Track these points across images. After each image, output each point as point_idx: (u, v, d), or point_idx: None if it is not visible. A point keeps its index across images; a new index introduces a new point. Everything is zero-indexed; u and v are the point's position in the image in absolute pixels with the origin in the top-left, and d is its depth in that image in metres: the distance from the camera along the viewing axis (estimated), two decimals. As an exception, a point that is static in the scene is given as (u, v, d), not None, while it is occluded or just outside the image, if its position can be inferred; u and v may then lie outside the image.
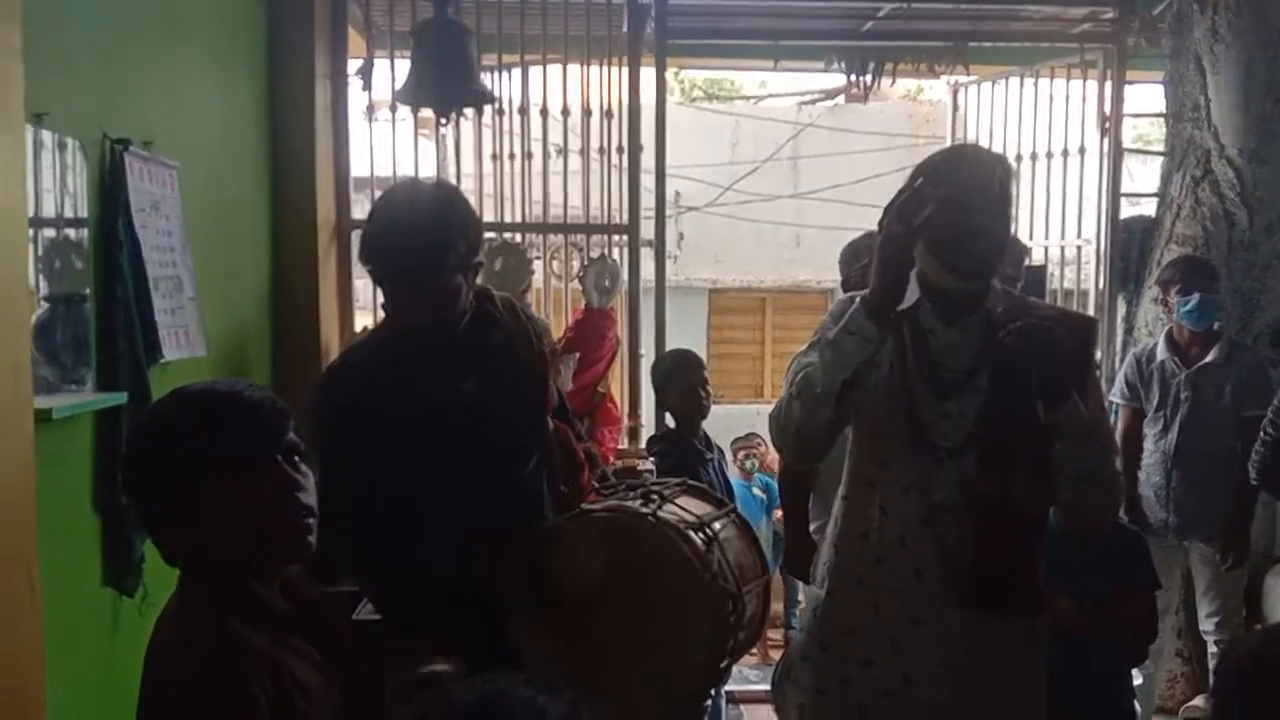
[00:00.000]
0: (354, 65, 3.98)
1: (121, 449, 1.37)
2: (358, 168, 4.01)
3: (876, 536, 1.91)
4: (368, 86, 4.00)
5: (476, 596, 1.99)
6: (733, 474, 5.96)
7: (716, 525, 2.20)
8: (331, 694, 1.38)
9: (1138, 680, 3.08)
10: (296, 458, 1.34)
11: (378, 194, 4.05)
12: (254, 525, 1.28)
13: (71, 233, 2.29)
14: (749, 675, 4.67)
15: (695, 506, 2.28)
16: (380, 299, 2.09)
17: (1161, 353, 3.69)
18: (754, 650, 4.30)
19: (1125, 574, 2.50)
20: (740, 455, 5.98)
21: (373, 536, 2.01)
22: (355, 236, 3.98)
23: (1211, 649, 3.68)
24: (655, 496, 2.23)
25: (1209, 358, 3.58)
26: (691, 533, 2.10)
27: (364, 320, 4.11)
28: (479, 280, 2.15)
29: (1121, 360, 4.05)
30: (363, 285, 4.18)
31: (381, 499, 2.00)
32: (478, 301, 2.14)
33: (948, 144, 5.00)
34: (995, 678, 1.90)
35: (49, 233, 2.22)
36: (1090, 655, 2.42)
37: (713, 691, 2.97)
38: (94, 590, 2.35)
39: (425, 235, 1.97)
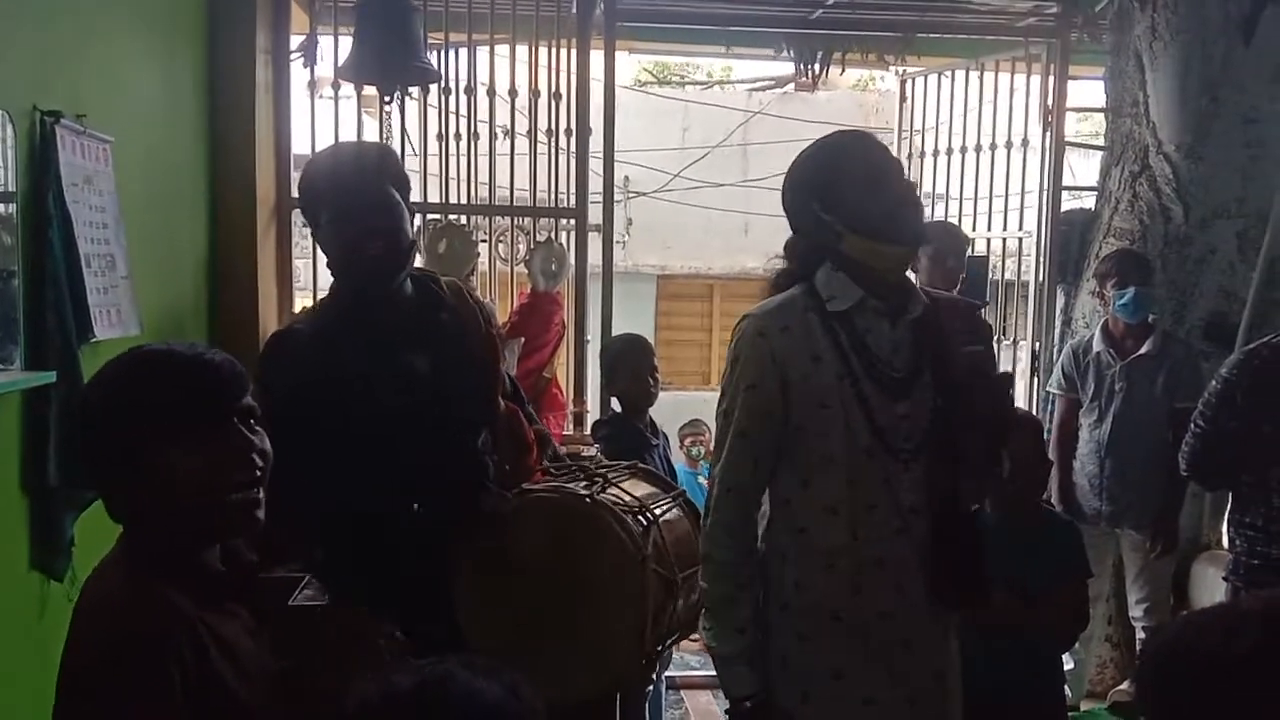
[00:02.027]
0: (296, 41, 3.91)
1: (80, 401, 1.34)
2: (299, 145, 3.94)
3: (848, 564, 1.79)
4: (310, 63, 3.93)
5: (419, 568, 2.01)
6: (679, 460, 5.97)
7: (659, 509, 2.21)
8: (264, 657, 1.37)
9: (1069, 666, 3.15)
10: (252, 421, 1.34)
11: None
12: (204, 485, 1.27)
13: (0, 207, 2.22)
14: (690, 661, 4.70)
15: (640, 490, 2.29)
16: (322, 261, 2.10)
17: (1097, 344, 3.76)
18: (696, 636, 4.31)
19: (1059, 563, 2.54)
20: (687, 442, 5.98)
21: (315, 507, 2.00)
22: (296, 215, 3.93)
23: (1140, 635, 3.77)
24: (599, 479, 2.24)
25: (1143, 350, 3.66)
26: (629, 516, 2.11)
27: (304, 301, 4.05)
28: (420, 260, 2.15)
29: (1059, 351, 4.13)
30: (303, 265, 4.13)
31: (325, 470, 1.99)
32: (424, 283, 2.15)
33: (894, 133, 5.06)
34: (954, 669, 1.93)
35: (-25, 206, 2.16)
36: (1022, 641, 2.46)
37: (653, 676, 2.99)
38: (20, 573, 2.29)
39: (364, 153, 2.14)
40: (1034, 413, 3.96)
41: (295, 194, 3.84)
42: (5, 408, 2.22)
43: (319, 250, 2.16)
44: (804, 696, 1.82)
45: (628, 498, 2.19)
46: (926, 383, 1.83)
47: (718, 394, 1.90)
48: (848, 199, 1.80)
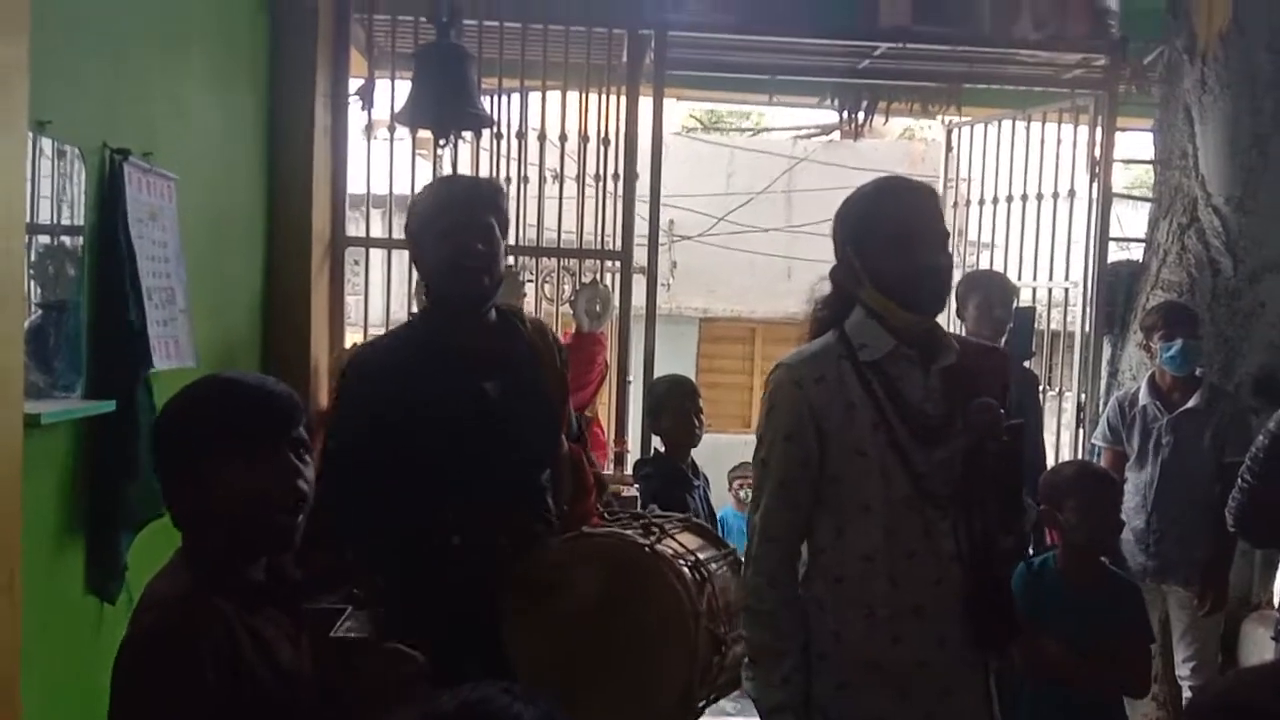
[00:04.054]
0: (355, 85, 4.02)
1: (156, 418, 1.50)
2: (354, 186, 4.04)
3: (887, 613, 1.78)
4: (367, 106, 4.03)
5: (470, 597, 2.05)
6: (729, 504, 5.96)
7: (713, 565, 2.21)
8: (304, 663, 1.47)
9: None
10: (302, 449, 1.46)
11: (374, 213, 4.10)
12: (252, 501, 1.39)
13: (67, 240, 2.30)
14: (726, 708, 4.65)
15: (694, 544, 2.29)
16: (374, 299, 2.17)
17: (1144, 397, 3.72)
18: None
19: (1121, 625, 2.51)
20: (736, 485, 5.97)
21: (377, 524, 2.06)
22: (349, 253, 4.02)
23: (1187, 694, 3.69)
24: (656, 529, 2.25)
25: (1190, 403, 3.61)
26: (686, 569, 2.11)
27: (355, 337, 4.12)
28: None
29: (1105, 403, 4.09)
30: (354, 302, 4.20)
31: (390, 486, 2.06)
32: (507, 315, 2.26)
33: (940, 182, 5.08)
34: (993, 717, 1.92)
35: (45, 239, 2.23)
36: (1086, 697, 2.44)
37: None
38: (77, 596, 2.34)
39: (477, 183, 2.44)
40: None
41: (350, 234, 3.97)
42: (66, 434, 2.28)
43: (390, 278, 2.29)
44: None
45: (684, 551, 2.19)
46: (959, 429, 1.82)
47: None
48: (874, 253, 1.81)
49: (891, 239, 1.79)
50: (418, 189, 3.99)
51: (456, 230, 2.13)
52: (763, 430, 1.86)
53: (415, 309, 3.82)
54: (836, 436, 1.79)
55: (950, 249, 1.89)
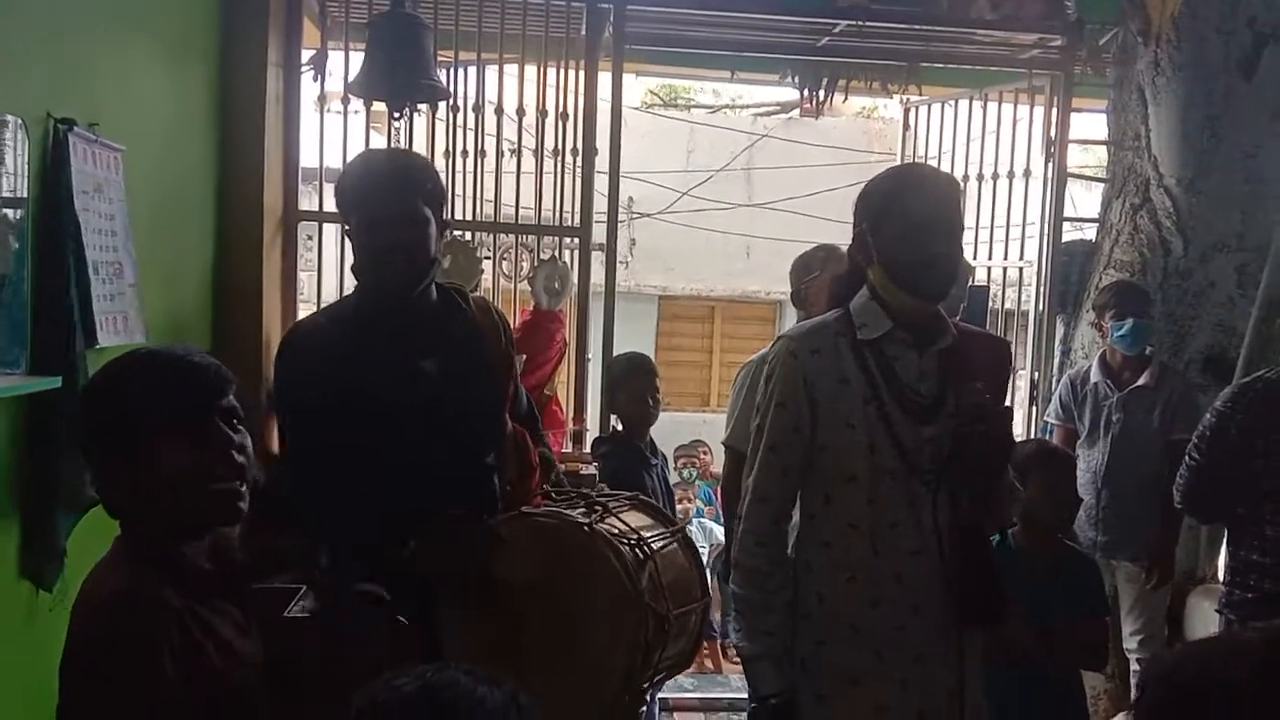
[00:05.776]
0: (307, 55, 3.94)
1: (79, 398, 1.45)
2: (307, 158, 3.97)
3: (868, 578, 1.88)
4: (320, 77, 3.96)
5: (408, 576, 2.00)
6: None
7: (657, 543, 2.18)
8: (255, 653, 1.45)
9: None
10: (235, 421, 1.42)
11: (327, 185, 4.03)
12: (188, 476, 1.36)
13: (10, 212, 2.24)
14: (683, 683, 4.69)
15: (639, 522, 2.26)
16: (327, 275, 2.11)
17: (1095, 375, 3.78)
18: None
19: (1079, 600, 2.56)
20: (680, 464, 5.97)
21: (320, 499, 2.02)
22: (302, 227, 3.95)
23: (1134, 666, 3.77)
24: (599, 508, 2.22)
25: (1140, 381, 3.68)
26: (625, 548, 2.08)
27: (307, 313, 4.06)
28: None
29: (1058, 381, 4.14)
30: (307, 278, 4.14)
31: (331, 462, 2.01)
32: (449, 293, 2.19)
33: (898, 161, 5.09)
34: (977, 691, 1.96)
35: (-15, 211, 2.17)
36: (1045, 672, 2.48)
37: (646, 698, 2.98)
38: (9, 581, 2.28)
39: (398, 165, 2.15)
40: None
41: (303, 207, 3.92)
42: (9, 411, 2.23)
43: (344, 253, 2.23)
44: (819, 699, 1.90)
45: (626, 530, 2.16)
46: (950, 410, 1.91)
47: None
48: (886, 238, 1.89)
49: (905, 227, 1.87)
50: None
51: (378, 224, 2.05)
52: (761, 397, 1.97)
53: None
54: (827, 407, 1.88)
55: (961, 241, 1.96)
